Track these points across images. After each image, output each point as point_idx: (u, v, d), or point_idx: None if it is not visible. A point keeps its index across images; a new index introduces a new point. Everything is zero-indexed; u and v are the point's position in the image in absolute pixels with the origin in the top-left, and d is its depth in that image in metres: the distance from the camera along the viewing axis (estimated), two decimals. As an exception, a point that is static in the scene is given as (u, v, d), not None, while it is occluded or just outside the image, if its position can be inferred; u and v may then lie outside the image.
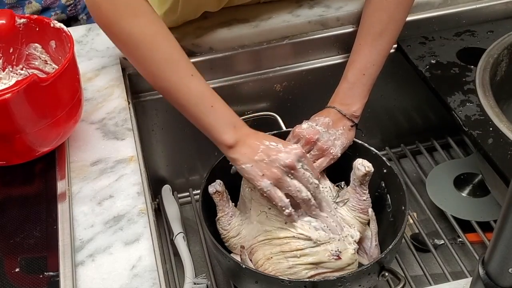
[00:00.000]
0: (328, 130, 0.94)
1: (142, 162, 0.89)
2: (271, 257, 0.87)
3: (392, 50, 1.13)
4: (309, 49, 1.11)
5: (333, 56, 1.12)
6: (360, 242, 0.92)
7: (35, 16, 0.90)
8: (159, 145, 1.14)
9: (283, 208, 0.84)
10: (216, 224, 0.95)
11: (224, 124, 0.85)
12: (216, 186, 0.93)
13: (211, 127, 0.85)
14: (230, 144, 0.85)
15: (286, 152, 0.83)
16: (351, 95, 0.97)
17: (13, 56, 0.92)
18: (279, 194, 0.84)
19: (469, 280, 0.71)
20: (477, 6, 1.14)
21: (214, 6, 1.07)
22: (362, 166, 0.89)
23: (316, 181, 0.86)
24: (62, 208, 0.79)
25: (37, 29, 0.89)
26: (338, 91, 0.98)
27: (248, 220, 0.92)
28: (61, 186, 0.83)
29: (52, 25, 0.88)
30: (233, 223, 0.93)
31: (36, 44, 0.91)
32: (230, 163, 0.88)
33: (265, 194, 0.85)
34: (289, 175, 0.84)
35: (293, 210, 0.85)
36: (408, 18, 1.12)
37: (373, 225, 0.93)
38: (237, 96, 1.11)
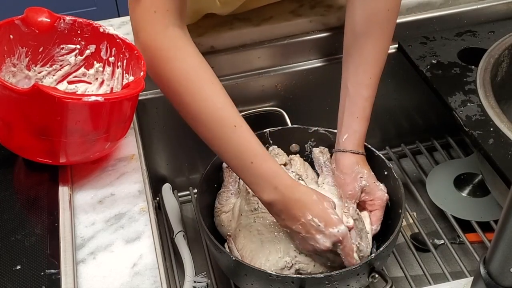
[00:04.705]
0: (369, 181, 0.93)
1: (143, 160, 0.89)
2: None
3: (393, 50, 1.13)
4: (310, 49, 1.11)
5: (334, 56, 1.12)
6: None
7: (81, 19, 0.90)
8: (160, 144, 1.14)
9: None
10: (216, 199, 0.99)
11: (263, 183, 0.79)
12: None
13: (250, 183, 0.81)
14: (268, 203, 0.81)
15: (325, 236, 0.80)
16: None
17: (40, 56, 0.91)
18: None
19: (469, 280, 0.71)
20: (478, 6, 1.14)
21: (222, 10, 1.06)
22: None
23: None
24: (63, 206, 0.79)
25: (79, 31, 0.90)
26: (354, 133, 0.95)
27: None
28: (62, 184, 0.83)
29: (101, 30, 0.89)
30: (230, 201, 0.97)
31: (69, 45, 0.91)
32: None
33: None
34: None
35: None
36: (409, 18, 1.13)
37: (367, 223, 0.94)
38: (238, 95, 1.11)
